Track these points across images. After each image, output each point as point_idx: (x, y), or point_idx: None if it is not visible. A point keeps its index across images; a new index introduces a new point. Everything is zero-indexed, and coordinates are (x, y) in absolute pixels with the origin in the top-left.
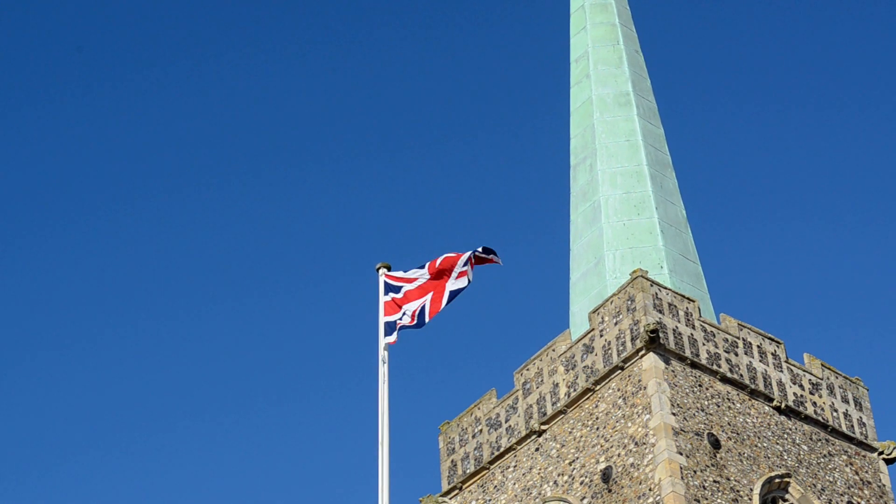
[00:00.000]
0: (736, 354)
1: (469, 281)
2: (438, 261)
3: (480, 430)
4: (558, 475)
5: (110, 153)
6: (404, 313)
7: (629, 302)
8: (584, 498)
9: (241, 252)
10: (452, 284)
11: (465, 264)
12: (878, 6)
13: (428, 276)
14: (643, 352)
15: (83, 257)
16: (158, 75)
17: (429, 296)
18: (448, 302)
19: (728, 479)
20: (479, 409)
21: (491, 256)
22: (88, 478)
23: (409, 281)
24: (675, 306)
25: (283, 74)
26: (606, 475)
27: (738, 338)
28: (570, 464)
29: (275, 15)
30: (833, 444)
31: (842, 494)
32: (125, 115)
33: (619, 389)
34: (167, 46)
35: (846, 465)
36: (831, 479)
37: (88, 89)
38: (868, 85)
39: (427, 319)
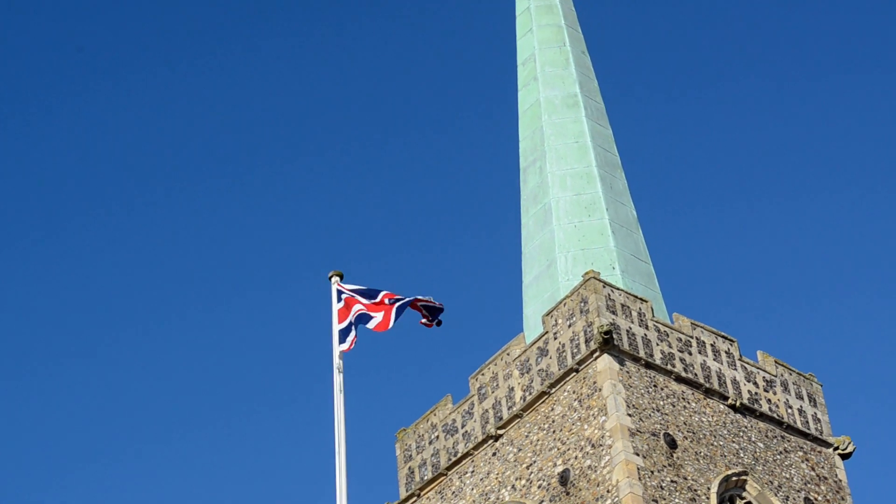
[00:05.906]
0: (690, 353)
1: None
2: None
3: (437, 437)
4: (516, 479)
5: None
6: (355, 314)
7: (582, 304)
8: (542, 501)
9: (193, 262)
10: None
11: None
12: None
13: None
14: (597, 353)
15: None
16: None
17: (380, 313)
18: (396, 319)
19: (685, 479)
20: (435, 415)
21: (431, 302)
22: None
23: (357, 302)
24: (628, 307)
25: (243, 81)
26: (564, 478)
27: (692, 337)
28: (527, 468)
29: (235, 24)
30: (789, 441)
31: (798, 491)
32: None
33: (574, 392)
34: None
35: (802, 462)
36: (788, 476)
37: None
38: (817, 81)
39: (372, 329)
